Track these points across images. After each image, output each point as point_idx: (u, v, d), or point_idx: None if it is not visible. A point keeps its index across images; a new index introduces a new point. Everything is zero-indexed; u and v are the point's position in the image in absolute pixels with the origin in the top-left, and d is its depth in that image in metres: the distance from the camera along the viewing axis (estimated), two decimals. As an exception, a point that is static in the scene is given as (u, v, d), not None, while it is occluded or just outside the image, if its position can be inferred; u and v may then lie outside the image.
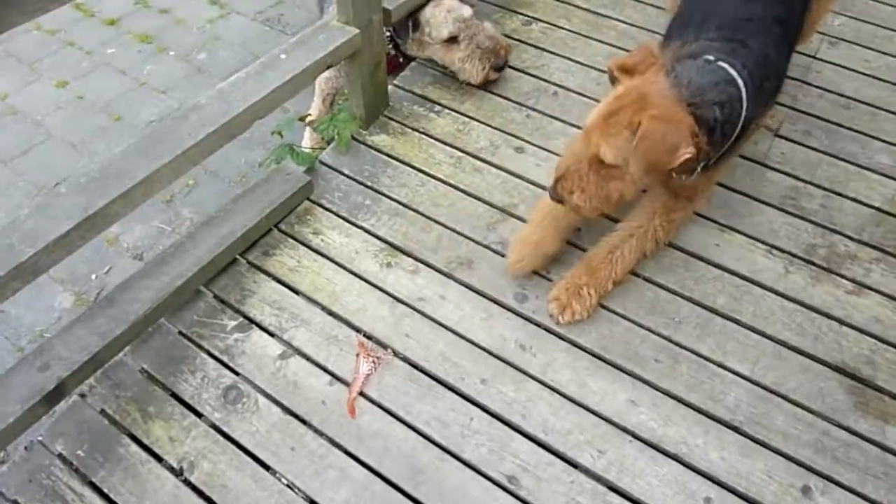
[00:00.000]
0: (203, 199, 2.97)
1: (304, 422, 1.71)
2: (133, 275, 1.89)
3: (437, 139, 2.31)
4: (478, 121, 2.35)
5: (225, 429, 1.69)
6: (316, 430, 1.69)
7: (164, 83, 3.51)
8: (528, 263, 1.89)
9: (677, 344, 1.80)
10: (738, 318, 1.84)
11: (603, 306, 1.87)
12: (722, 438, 1.64)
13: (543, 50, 2.56)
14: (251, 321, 1.90)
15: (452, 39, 2.34)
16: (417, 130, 2.34)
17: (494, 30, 2.40)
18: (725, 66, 1.55)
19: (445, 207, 2.13)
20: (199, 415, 1.73)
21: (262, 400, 1.74)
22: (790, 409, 1.68)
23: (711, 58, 1.57)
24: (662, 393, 1.72)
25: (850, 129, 2.22)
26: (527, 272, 1.92)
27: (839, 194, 2.07)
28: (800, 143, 2.20)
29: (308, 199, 2.17)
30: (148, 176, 1.63)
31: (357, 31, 2.05)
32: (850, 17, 2.58)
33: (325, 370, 1.80)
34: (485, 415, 1.71)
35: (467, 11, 2.34)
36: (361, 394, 1.74)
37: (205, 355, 1.83)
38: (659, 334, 1.82)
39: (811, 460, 1.60)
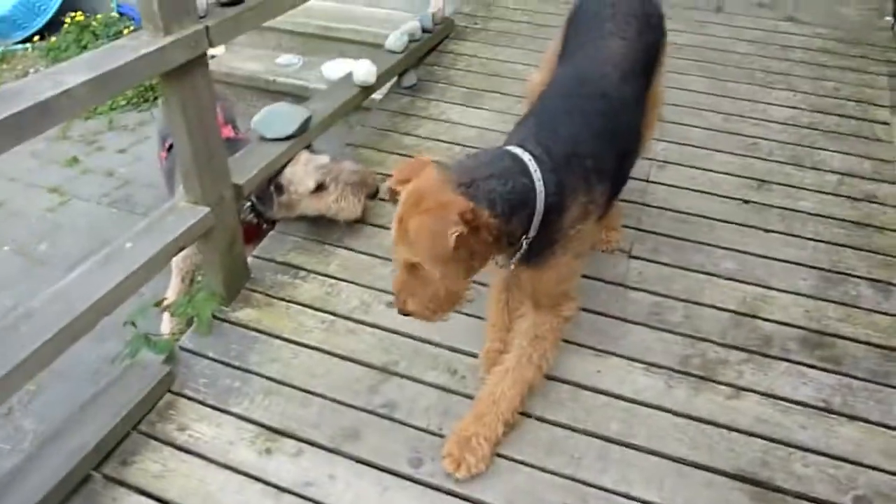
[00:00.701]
0: (48, 405, 2.65)
1: None
2: (-43, 521, 1.59)
3: (305, 305, 2.23)
4: (346, 281, 2.31)
5: None
6: None
7: (-1, 281, 3.22)
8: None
9: (582, 482, 1.74)
10: (634, 442, 1.82)
11: (501, 455, 1.79)
12: (646, 578, 1.56)
13: (401, 203, 2.61)
14: (111, 550, 1.64)
15: (320, 187, 2.36)
16: (283, 299, 2.25)
17: (356, 164, 2.46)
18: (508, 147, 1.56)
19: (322, 377, 2.01)
20: None
21: None
22: (704, 530, 1.64)
23: (496, 147, 1.59)
24: (578, 541, 1.63)
25: (693, 241, 2.39)
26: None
27: (697, 303, 2.18)
28: (652, 261, 2.33)
29: (169, 391, 1.98)
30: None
31: (207, 209, 1.99)
32: (671, 141, 2.87)
33: (206, 592, 1.56)
34: None
35: (324, 158, 2.39)
36: None
37: None
38: (561, 475, 1.75)
39: (736, 583, 1.55)
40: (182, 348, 2.10)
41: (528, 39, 3.52)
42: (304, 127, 2.39)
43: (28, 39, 5.54)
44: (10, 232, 3.58)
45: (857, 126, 2.86)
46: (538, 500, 1.71)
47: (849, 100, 3.01)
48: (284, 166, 2.38)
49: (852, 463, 1.76)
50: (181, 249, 1.94)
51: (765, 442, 1.81)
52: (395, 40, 3.04)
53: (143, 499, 1.73)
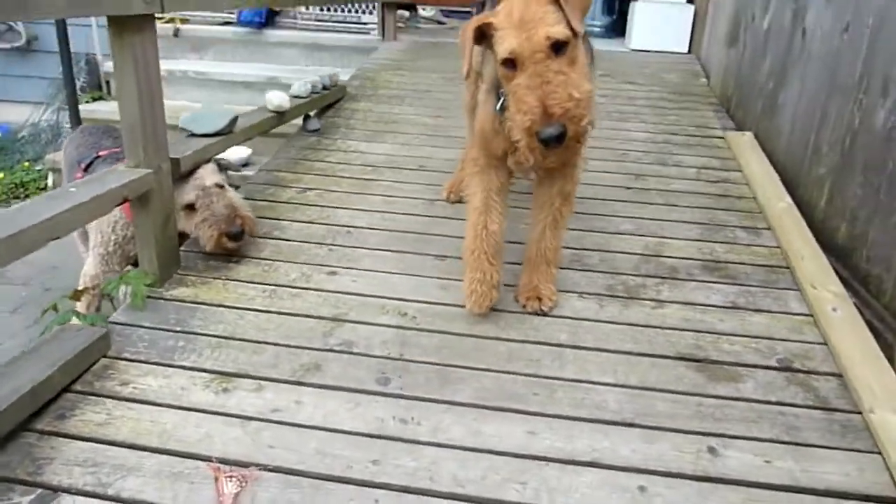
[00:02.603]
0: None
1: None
2: None
3: (243, 281, 2.21)
4: (282, 261, 2.32)
5: None
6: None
7: None
8: (486, 298, 2.02)
9: (545, 377, 1.83)
10: (584, 345, 1.95)
11: (463, 367, 1.85)
12: (623, 436, 1.64)
13: (324, 206, 2.71)
14: (55, 489, 1.45)
15: (191, 207, 2.24)
16: (219, 278, 2.22)
17: (240, 201, 2.33)
18: None
19: (273, 330, 1.98)
20: None
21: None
22: (663, 396, 1.77)
23: None
24: (553, 417, 1.69)
25: (593, 213, 2.69)
26: (486, 308, 2.03)
27: (609, 251, 2.43)
28: (564, 228, 2.59)
29: (104, 357, 1.85)
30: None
31: (150, 170, 2.00)
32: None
33: (177, 510, 1.42)
34: (390, 493, 1.48)
35: (210, 181, 2.27)
36: (236, 512, 1.39)
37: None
38: (524, 374, 1.83)
39: (701, 427, 1.67)
40: (113, 323, 1.99)
41: (416, 100, 3.91)
42: (231, 124, 2.49)
43: None
44: None
45: (700, 140, 3.43)
46: (508, 393, 1.76)
47: (689, 125, 3.62)
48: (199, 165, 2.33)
49: (768, 339, 2.01)
50: (125, 201, 1.91)
51: (694, 332, 2.02)
52: (300, 86, 3.29)
53: (88, 444, 1.57)
